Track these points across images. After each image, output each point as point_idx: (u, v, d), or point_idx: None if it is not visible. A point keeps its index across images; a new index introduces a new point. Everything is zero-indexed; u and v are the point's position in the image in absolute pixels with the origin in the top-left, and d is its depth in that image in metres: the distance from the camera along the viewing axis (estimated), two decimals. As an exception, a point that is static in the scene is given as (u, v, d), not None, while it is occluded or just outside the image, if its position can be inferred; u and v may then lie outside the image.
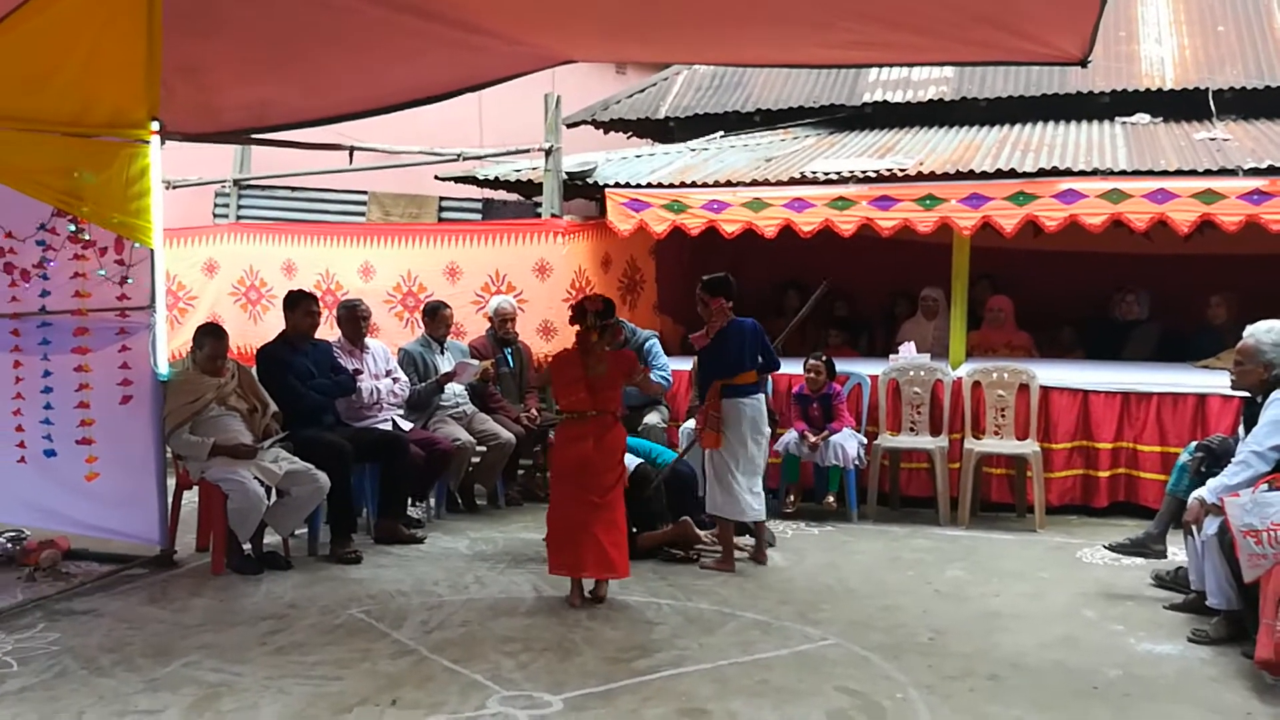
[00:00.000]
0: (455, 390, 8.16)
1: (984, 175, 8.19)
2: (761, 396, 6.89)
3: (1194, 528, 5.49)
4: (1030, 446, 7.77)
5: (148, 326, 6.49)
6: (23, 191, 5.78)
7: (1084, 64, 6.36)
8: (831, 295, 10.31)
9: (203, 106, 7.56)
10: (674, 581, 6.41)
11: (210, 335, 6.94)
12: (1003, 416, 7.92)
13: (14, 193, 5.80)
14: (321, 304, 7.80)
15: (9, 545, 6.89)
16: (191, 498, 7.02)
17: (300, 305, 7.41)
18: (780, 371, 8.26)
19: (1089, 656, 5.18)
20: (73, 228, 6.32)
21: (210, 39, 6.82)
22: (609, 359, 6.18)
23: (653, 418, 8.21)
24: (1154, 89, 10.12)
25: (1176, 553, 6.24)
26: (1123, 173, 7.97)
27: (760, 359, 6.86)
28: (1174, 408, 7.79)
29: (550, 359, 6.66)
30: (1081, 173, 8.02)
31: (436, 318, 8.30)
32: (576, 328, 6.17)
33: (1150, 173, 7.90)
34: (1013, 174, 8.13)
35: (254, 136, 8.56)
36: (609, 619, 5.72)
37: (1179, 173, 7.83)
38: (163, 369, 6.55)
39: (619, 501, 6.14)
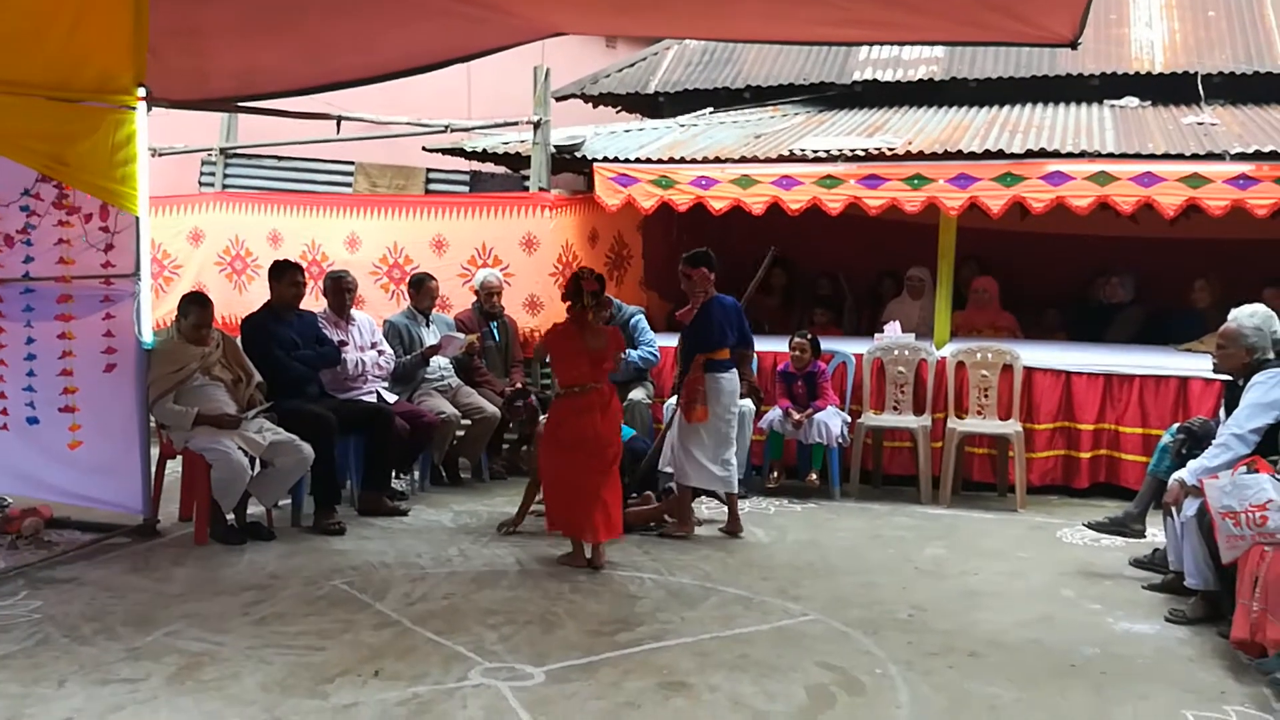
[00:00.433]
0: (440, 363, 8.16)
1: (972, 156, 8.19)
2: (735, 373, 6.98)
3: (1174, 509, 5.53)
4: (1013, 426, 7.81)
5: (132, 294, 6.47)
6: (7, 156, 5.75)
7: (1074, 46, 6.36)
8: (831, 276, 10.37)
9: (191, 72, 7.51)
10: (656, 556, 6.43)
11: (195, 304, 6.91)
12: (986, 396, 7.95)
13: (-2, 158, 5.77)
14: (307, 274, 7.77)
15: (-10, 513, 6.88)
16: (175, 467, 7.00)
17: (286, 275, 7.38)
18: (766, 349, 8.33)
19: (1067, 635, 5.22)
20: (57, 193, 6.29)
21: (202, 3, 6.77)
22: (605, 332, 6.35)
23: (638, 393, 8.22)
24: (1143, 72, 10.12)
25: (1155, 533, 6.28)
26: (1110, 155, 7.98)
27: (737, 336, 6.99)
28: (1156, 390, 7.84)
29: (546, 334, 6.73)
30: (1069, 155, 8.03)
31: (422, 289, 8.29)
32: (568, 303, 6.27)
33: (1138, 156, 7.91)
34: (1001, 155, 8.13)
35: (241, 105, 8.50)
36: (592, 592, 5.75)
37: (1166, 156, 7.85)
38: (147, 337, 6.53)
39: (617, 469, 6.36)
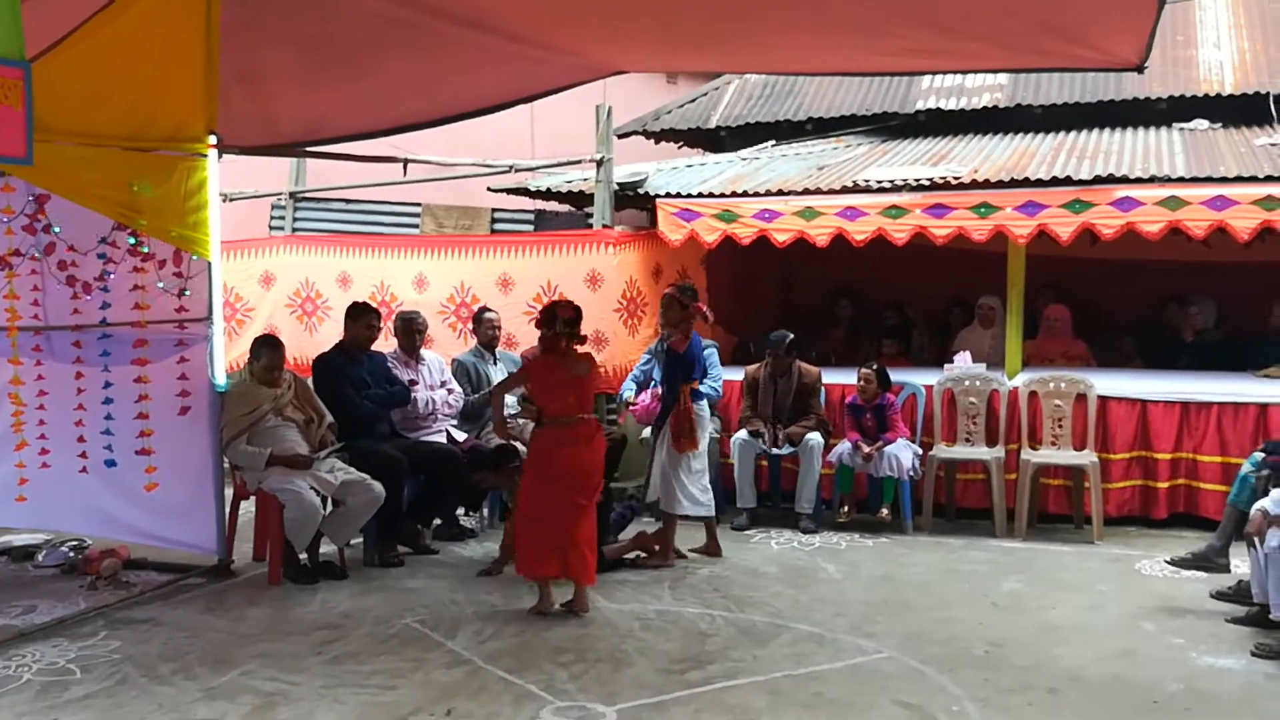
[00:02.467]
0: (508, 400, 8.17)
1: (1039, 183, 8.09)
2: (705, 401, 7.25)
3: (1256, 540, 5.40)
4: (1088, 457, 7.67)
5: (205, 338, 6.56)
6: (85, 205, 5.85)
7: (1140, 70, 6.29)
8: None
9: (260, 118, 7.65)
10: (726, 593, 6.39)
11: (267, 346, 7.01)
12: (1060, 426, 7.83)
13: (76, 206, 5.87)
14: (380, 317, 7.85)
15: (71, 554, 7.01)
16: (248, 507, 7.08)
17: (363, 318, 7.48)
18: (833, 381, 8.29)
19: (1149, 670, 5.11)
20: (132, 240, 6.42)
21: (270, 50, 6.91)
22: (586, 359, 6.30)
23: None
24: (1213, 94, 9.96)
25: (1239, 565, 6.13)
26: (1181, 179, 7.85)
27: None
28: (1235, 417, 7.67)
29: (525, 366, 6.57)
30: (1139, 180, 7.91)
31: (482, 322, 8.35)
32: (543, 331, 6.21)
33: (1209, 179, 7.78)
34: (1069, 181, 8.02)
35: (309, 149, 8.64)
36: (662, 630, 5.72)
37: (1238, 179, 7.71)
38: (220, 380, 6.62)
39: (594, 507, 6.25)
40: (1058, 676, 5.03)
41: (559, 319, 6.12)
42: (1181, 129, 9.68)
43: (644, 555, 7.02)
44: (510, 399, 8.07)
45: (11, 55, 4.83)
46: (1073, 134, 9.84)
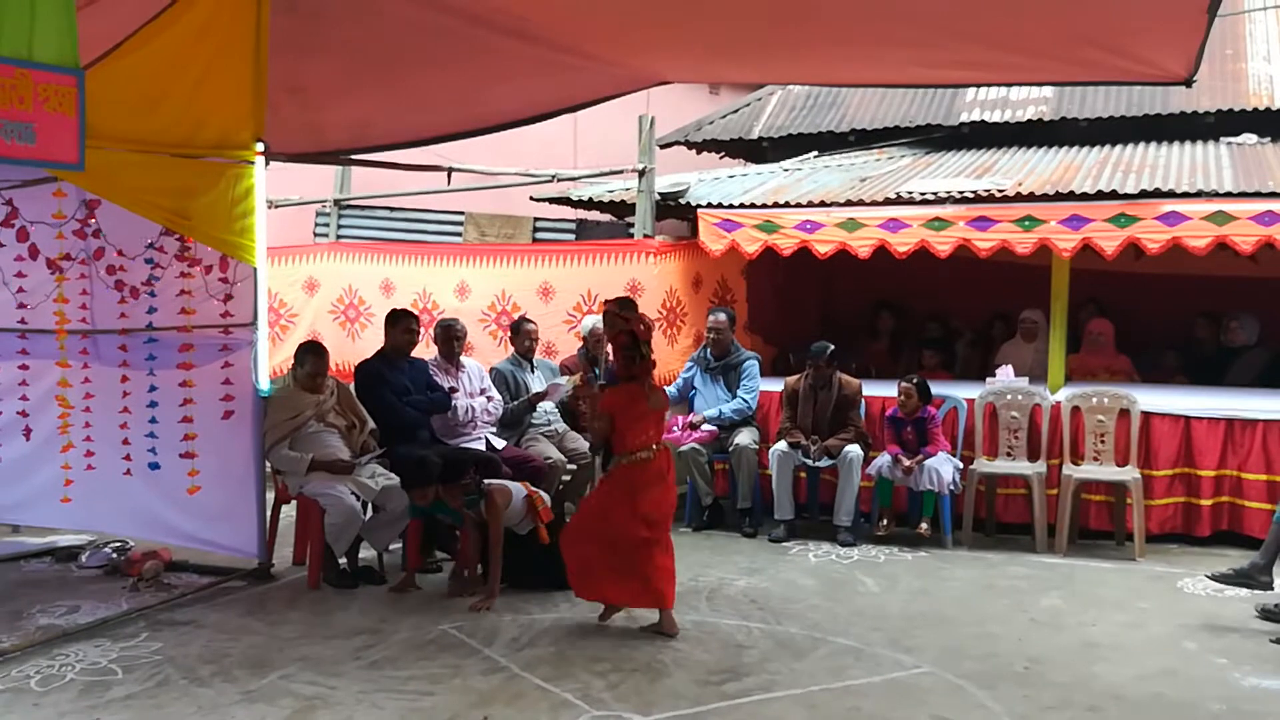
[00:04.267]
0: (547, 408, 8.22)
1: (1084, 196, 8.03)
2: None
3: (1303, 559, 5.33)
4: (1130, 473, 7.60)
5: (250, 343, 6.62)
6: (133, 211, 5.91)
7: (1189, 84, 6.25)
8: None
9: (307, 126, 7.73)
10: (764, 605, 6.37)
11: (311, 353, 7.07)
12: (1102, 442, 7.76)
13: (124, 212, 5.94)
14: (420, 323, 7.91)
15: (114, 556, 7.10)
16: (289, 512, 7.15)
17: (401, 323, 7.54)
18: (874, 393, 8.27)
19: (1191, 690, 5.05)
20: (179, 246, 6.50)
21: (316, 58, 6.98)
22: (660, 390, 6.12)
23: (744, 438, 8.19)
24: (1261, 108, 9.86)
25: (1284, 585, 6.06)
26: (1228, 194, 7.76)
27: None
28: (1281, 435, 7.59)
29: (606, 398, 5.98)
30: (1185, 194, 7.83)
31: (520, 333, 8.38)
32: (629, 361, 5.88)
33: (1257, 194, 7.68)
34: (1114, 195, 7.96)
35: (354, 157, 8.72)
36: (699, 641, 5.71)
37: (1288, 194, 7.62)
38: (264, 385, 6.67)
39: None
40: (1098, 694, 4.98)
41: (642, 343, 5.88)
42: (1229, 143, 9.58)
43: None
44: (548, 404, 8.13)
45: (66, 63, 4.90)
46: (1118, 148, 9.77)
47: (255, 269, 6.50)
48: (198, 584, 6.68)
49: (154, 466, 6.83)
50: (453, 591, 6.55)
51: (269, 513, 6.97)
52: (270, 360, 7.27)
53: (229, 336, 6.69)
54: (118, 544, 7.24)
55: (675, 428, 8.32)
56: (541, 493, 6.78)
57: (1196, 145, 9.65)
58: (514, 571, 6.48)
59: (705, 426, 8.27)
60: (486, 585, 6.41)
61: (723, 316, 8.50)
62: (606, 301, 6.45)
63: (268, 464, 6.89)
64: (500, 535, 6.38)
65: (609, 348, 6.54)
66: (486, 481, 6.51)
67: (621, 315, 6.21)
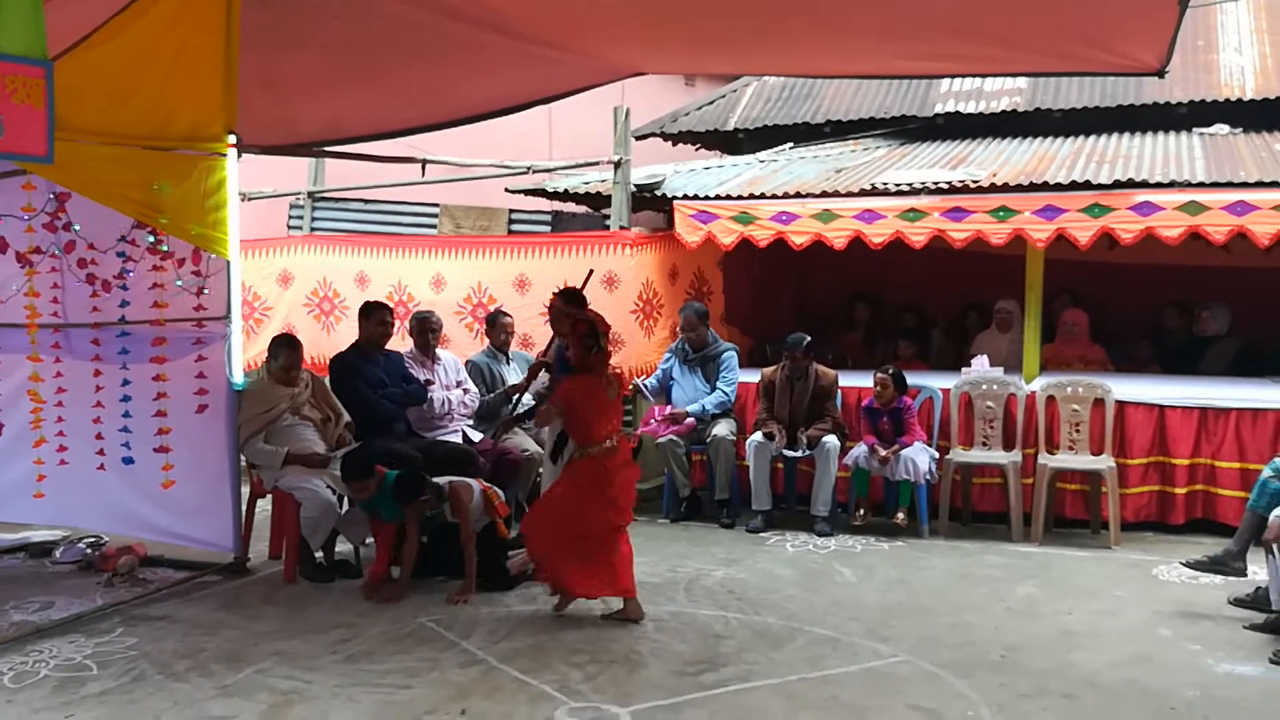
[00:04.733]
0: (525, 401, 8.19)
1: (1058, 187, 8.07)
2: None
3: (1275, 546, 5.37)
4: (1105, 462, 7.64)
5: (223, 336, 6.57)
6: (105, 204, 5.88)
7: (1161, 74, 6.28)
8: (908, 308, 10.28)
9: (279, 119, 7.69)
10: (741, 595, 6.38)
11: (285, 346, 7.03)
12: (1077, 431, 7.80)
13: (96, 205, 5.91)
14: (394, 315, 7.87)
15: (88, 551, 7.04)
16: (265, 506, 7.11)
17: (374, 315, 7.51)
18: (850, 384, 8.28)
19: (1166, 676, 5.08)
20: (152, 239, 6.44)
21: (291, 52, 6.95)
22: (616, 378, 6.06)
23: (721, 429, 8.19)
24: (1234, 99, 9.92)
25: (1257, 571, 6.09)
26: (1201, 184, 7.80)
27: None
28: (1254, 423, 7.64)
29: (565, 390, 5.97)
30: (1159, 184, 7.87)
31: (496, 325, 8.37)
32: (589, 351, 5.85)
33: (1229, 184, 7.74)
34: (1088, 186, 7.99)
35: (328, 150, 8.68)
36: (677, 632, 5.71)
37: (1259, 184, 7.65)
38: (238, 378, 6.63)
39: None
40: (1074, 682, 5.01)
41: (600, 334, 5.89)
42: (1202, 134, 9.64)
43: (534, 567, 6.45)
44: (526, 398, 8.09)
45: (34, 54, 4.87)
46: (1092, 138, 9.81)
47: (229, 262, 6.45)
48: (173, 579, 6.64)
49: (128, 461, 6.79)
50: (368, 594, 6.29)
51: (244, 507, 6.92)
52: (244, 354, 7.22)
53: (202, 330, 6.64)
54: (92, 539, 7.19)
55: (654, 419, 8.32)
56: (496, 489, 6.66)
57: (1169, 136, 9.70)
58: (455, 566, 6.38)
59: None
60: (397, 583, 6.31)
61: (692, 315, 8.46)
62: (553, 295, 6.47)
63: (242, 458, 6.85)
64: (471, 532, 6.31)
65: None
66: (448, 480, 6.42)
67: (567, 310, 6.42)
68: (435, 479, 6.44)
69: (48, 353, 7.07)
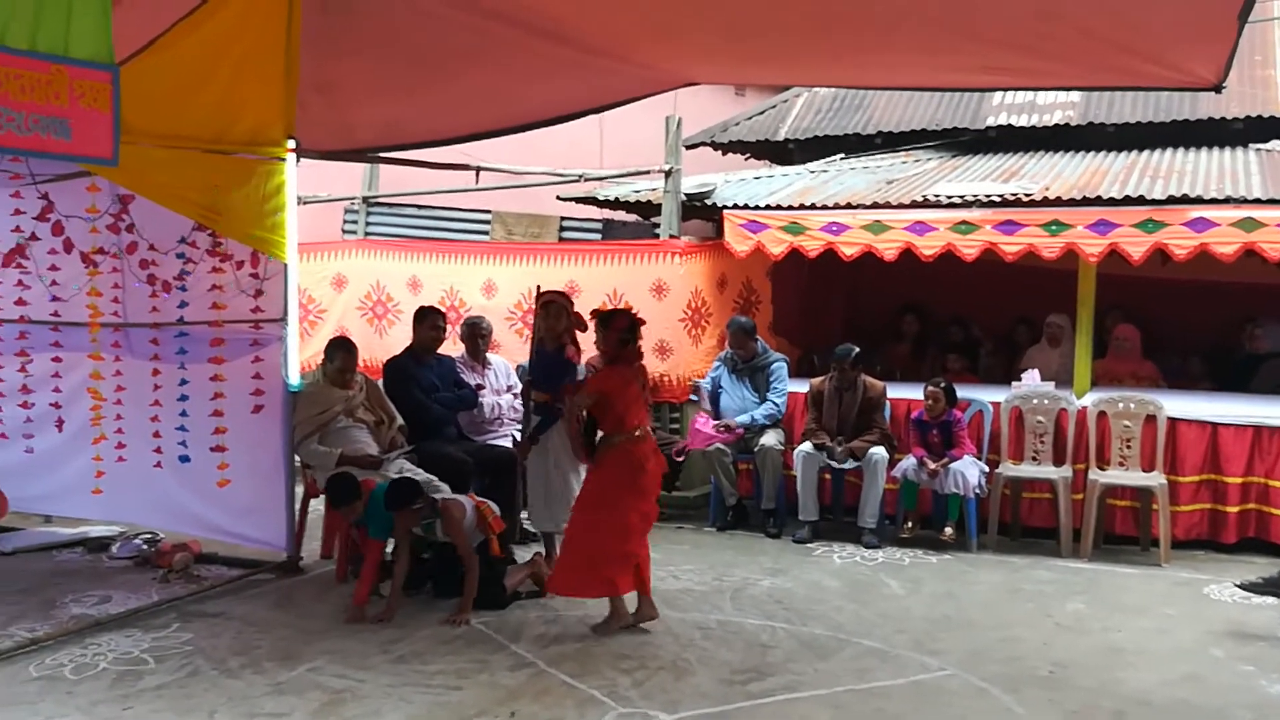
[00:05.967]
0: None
1: (1111, 201, 8.02)
2: None
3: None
4: (1156, 479, 7.58)
5: (280, 338, 6.67)
6: (166, 206, 5.97)
7: (1218, 89, 6.22)
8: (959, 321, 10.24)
9: (336, 125, 7.78)
10: (788, 605, 6.39)
11: (341, 349, 7.13)
12: (1128, 447, 7.74)
13: (157, 207, 6.00)
14: (446, 320, 7.95)
15: (144, 547, 7.16)
16: (318, 506, 7.19)
17: (427, 320, 7.59)
18: (898, 396, 8.27)
19: (1217, 696, 5.04)
20: (211, 241, 6.55)
21: (347, 58, 7.02)
22: (643, 370, 6.17)
23: (769, 439, 8.20)
24: (1291, 115, 9.83)
25: (1312, 593, 6.04)
26: (1256, 200, 7.73)
27: None
28: (1309, 443, 7.56)
29: (601, 380, 6.01)
30: (1213, 200, 7.81)
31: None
32: (625, 345, 5.99)
33: (1287, 201, 7.67)
34: (1141, 200, 7.94)
35: (384, 155, 8.77)
36: (723, 640, 5.72)
37: (1317, 201, 7.59)
38: (293, 380, 6.72)
39: None
40: (1123, 699, 4.98)
41: (638, 327, 6.03)
42: (1258, 150, 9.54)
43: (534, 585, 6.48)
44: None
45: (101, 59, 4.96)
46: (1146, 153, 9.74)
47: (285, 265, 6.55)
48: (227, 576, 6.73)
49: (184, 459, 6.90)
50: (352, 618, 5.97)
51: (298, 507, 7.02)
52: (299, 355, 7.31)
53: (259, 331, 6.74)
54: (148, 535, 7.31)
55: (703, 427, 8.31)
56: (490, 503, 6.45)
57: (1225, 151, 9.61)
58: (452, 586, 6.19)
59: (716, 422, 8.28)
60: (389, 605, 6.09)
61: (738, 332, 8.43)
62: (547, 291, 6.68)
63: (297, 458, 6.94)
64: (468, 549, 6.09)
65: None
66: (440, 498, 6.25)
67: (568, 309, 6.69)
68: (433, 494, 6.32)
69: (108, 351, 7.22)
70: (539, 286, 7.07)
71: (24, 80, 4.56)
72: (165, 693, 4.87)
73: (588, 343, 6.79)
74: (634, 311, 6.24)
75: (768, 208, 8.86)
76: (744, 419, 8.29)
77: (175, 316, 6.85)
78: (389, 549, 6.37)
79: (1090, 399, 8.00)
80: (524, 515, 6.95)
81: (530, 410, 6.88)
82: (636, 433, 5.93)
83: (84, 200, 6.34)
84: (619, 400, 5.88)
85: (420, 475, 6.80)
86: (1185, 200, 7.85)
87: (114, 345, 7.23)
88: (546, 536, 6.91)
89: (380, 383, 7.44)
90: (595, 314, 6.17)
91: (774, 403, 8.33)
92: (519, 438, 7.78)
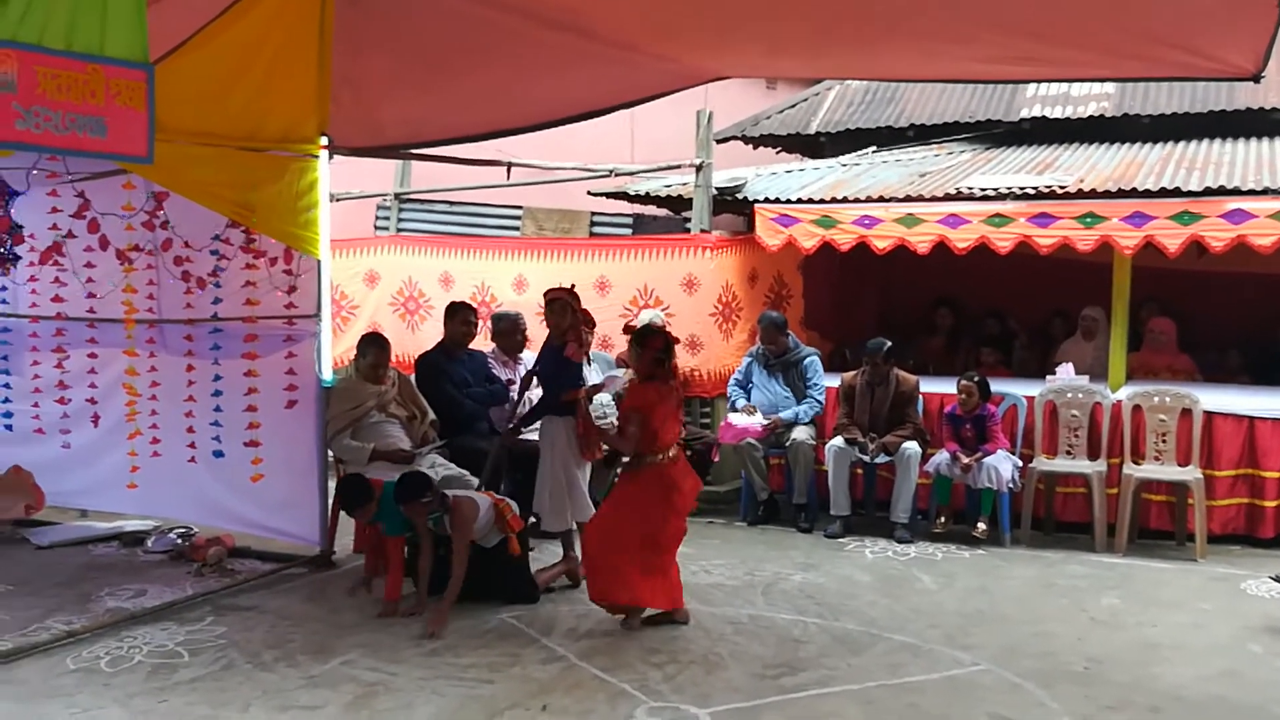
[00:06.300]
0: (603, 400, 8.22)
1: (1147, 193, 7.96)
2: None
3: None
4: (1192, 473, 7.51)
5: (313, 334, 6.71)
6: (200, 203, 6.02)
7: (1257, 79, 6.14)
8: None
9: (366, 120, 7.80)
10: (820, 600, 6.37)
11: (374, 344, 7.16)
12: (1163, 441, 7.67)
13: (191, 204, 6.06)
14: (478, 315, 7.97)
15: (179, 541, 7.22)
16: (351, 500, 7.23)
17: (458, 315, 7.62)
18: (931, 390, 8.22)
19: (1255, 692, 4.99)
20: (244, 238, 6.59)
21: (375, 53, 7.04)
22: (677, 388, 6.07)
23: (800, 433, 8.18)
24: (1331, 105, 9.71)
25: (1351, 588, 5.97)
26: (1296, 191, 7.66)
27: None
28: (1348, 437, 7.47)
29: (638, 396, 5.88)
30: (1251, 192, 7.74)
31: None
32: (659, 363, 5.88)
33: (1326, 192, 7.58)
34: (1177, 192, 7.88)
35: (415, 152, 8.79)
36: (755, 635, 5.72)
37: (1357, 192, 7.50)
38: (327, 375, 6.75)
39: None
40: (1159, 695, 4.94)
41: (673, 346, 5.94)
42: (1297, 140, 9.44)
43: (569, 581, 6.58)
44: (605, 397, 8.13)
45: (136, 58, 4.99)
46: (1182, 144, 9.65)
47: (318, 261, 6.58)
48: (260, 570, 6.78)
49: (218, 454, 6.96)
50: (386, 613, 6.02)
51: (330, 501, 7.04)
52: (332, 351, 7.35)
53: (292, 327, 6.78)
54: (182, 530, 7.37)
55: (736, 422, 8.24)
56: (510, 501, 6.39)
57: (1263, 142, 9.52)
58: (481, 586, 6.10)
59: (759, 420, 8.23)
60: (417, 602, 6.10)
61: (770, 327, 8.40)
62: (552, 289, 6.61)
63: (330, 453, 6.98)
64: (465, 549, 5.95)
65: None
66: (452, 494, 6.18)
67: (573, 305, 6.53)
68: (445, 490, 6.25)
69: (143, 347, 7.29)
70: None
71: (61, 80, 4.59)
72: (200, 685, 4.92)
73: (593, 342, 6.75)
74: (667, 327, 6.13)
75: (799, 201, 8.83)
76: (788, 415, 8.25)
77: (209, 313, 6.92)
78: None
79: (1125, 392, 7.94)
80: (531, 519, 6.93)
81: (518, 400, 7.06)
82: (671, 453, 5.86)
83: (119, 198, 6.41)
84: (653, 417, 5.81)
85: (453, 470, 6.85)
86: (1222, 191, 7.79)
87: (149, 341, 7.30)
88: (564, 535, 6.88)
89: (412, 378, 7.47)
90: (628, 330, 6.07)
91: (816, 400, 8.31)
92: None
